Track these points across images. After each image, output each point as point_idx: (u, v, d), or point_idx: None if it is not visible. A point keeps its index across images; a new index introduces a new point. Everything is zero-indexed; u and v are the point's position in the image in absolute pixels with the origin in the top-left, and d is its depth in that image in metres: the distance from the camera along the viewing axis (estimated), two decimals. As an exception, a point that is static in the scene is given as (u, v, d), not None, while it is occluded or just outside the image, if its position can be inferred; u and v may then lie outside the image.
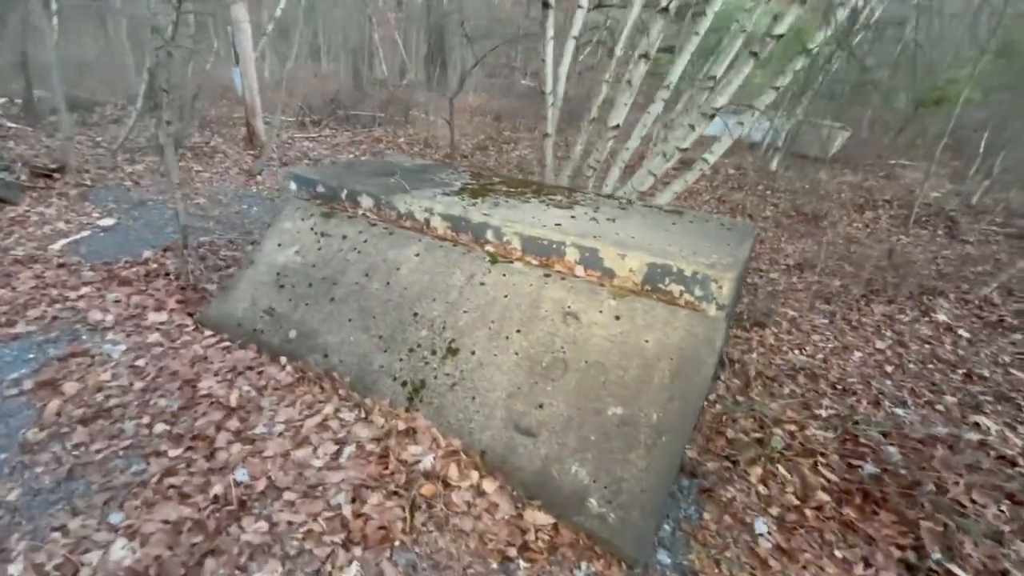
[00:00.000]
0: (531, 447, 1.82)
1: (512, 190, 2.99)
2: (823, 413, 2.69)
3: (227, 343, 2.56)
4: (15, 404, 2.15)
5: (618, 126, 3.92)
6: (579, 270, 2.20)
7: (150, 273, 3.36)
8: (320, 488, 1.78)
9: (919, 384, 3.10)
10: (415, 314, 2.26)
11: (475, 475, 1.83)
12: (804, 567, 1.74)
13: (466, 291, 2.23)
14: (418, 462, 1.85)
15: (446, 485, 1.78)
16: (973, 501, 2.12)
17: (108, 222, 4.39)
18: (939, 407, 2.88)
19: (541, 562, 1.60)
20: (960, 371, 3.31)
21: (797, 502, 2.03)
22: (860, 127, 11.17)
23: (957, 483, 2.19)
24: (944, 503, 2.03)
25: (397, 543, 1.62)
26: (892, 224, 6.66)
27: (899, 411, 2.76)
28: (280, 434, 2.00)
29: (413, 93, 13.03)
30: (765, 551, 1.78)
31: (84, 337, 2.65)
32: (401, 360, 2.18)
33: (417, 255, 2.42)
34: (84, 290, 3.12)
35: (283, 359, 2.39)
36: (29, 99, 7.17)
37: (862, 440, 2.42)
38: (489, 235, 2.44)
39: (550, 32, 3.75)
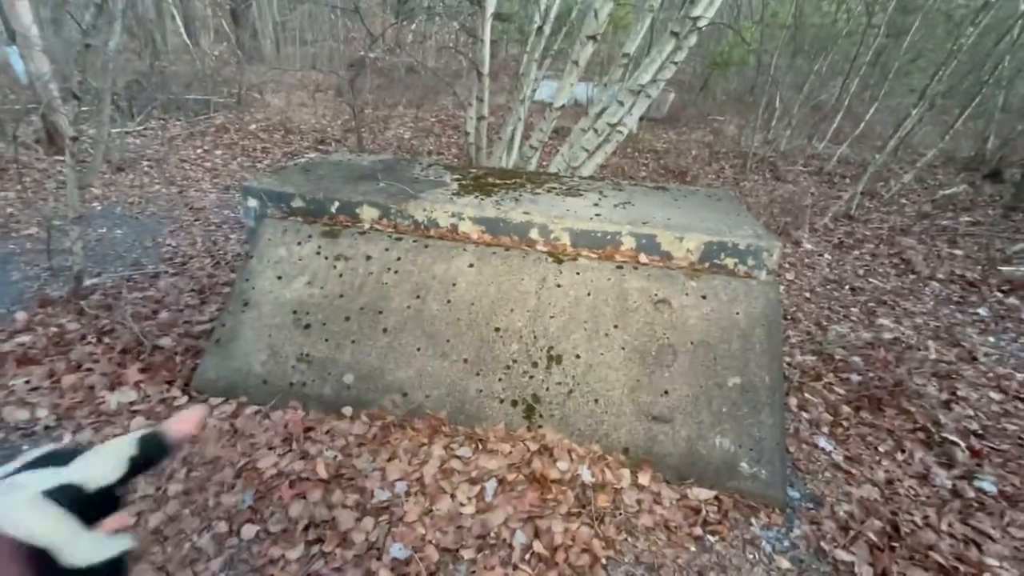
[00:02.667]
0: (671, 432, 1.93)
1: (506, 182, 2.92)
2: (794, 341, 3.28)
3: (254, 407, 2.11)
4: None
5: (563, 107, 4.00)
6: (642, 257, 2.30)
7: (56, 341, 2.51)
8: (491, 536, 1.66)
9: (830, 303, 3.94)
10: (496, 329, 2.14)
11: (627, 473, 1.88)
12: (871, 467, 2.19)
13: (544, 296, 2.18)
14: (575, 477, 1.83)
15: (614, 491, 1.81)
16: (916, 383, 2.85)
17: (-95, 281, 3.10)
18: (852, 318, 3.72)
19: (724, 531, 1.76)
20: (845, 287, 4.28)
21: (831, 418, 2.51)
22: (676, 88, 12.91)
23: (901, 372, 2.91)
24: (911, 389, 2.71)
25: (604, 560, 1.62)
26: (734, 173, 8.00)
27: (836, 328, 3.50)
28: (407, 493, 1.77)
29: (227, 68, 11.12)
30: (843, 463, 2.19)
31: (27, 448, 1.93)
32: (500, 380, 2.06)
33: (471, 266, 2.26)
34: (-39, 384, 2.22)
35: (347, 410, 2.07)
36: None
37: (836, 356, 3.05)
38: (534, 234, 2.38)
39: (490, 9, 3.60)
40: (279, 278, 2.31)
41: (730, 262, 2.28)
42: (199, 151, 6.63)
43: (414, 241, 2.35)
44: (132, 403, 2.15)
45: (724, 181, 7.56)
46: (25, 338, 2.55)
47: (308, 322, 2.22)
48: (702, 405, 1.96)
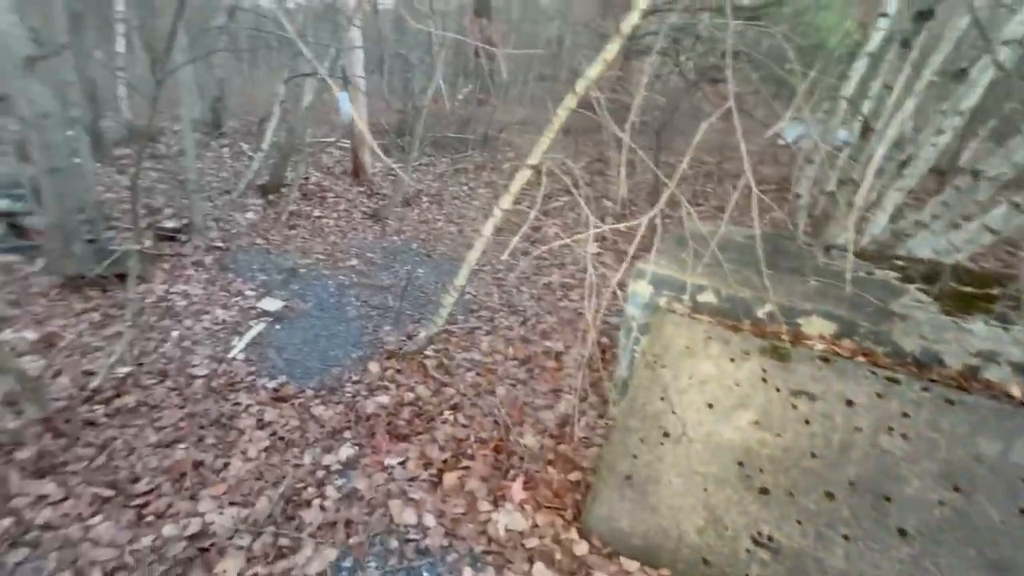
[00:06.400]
0: None
1: (986, 291, 1.99)
2: None
3: (689, 594, 1.53)
4: None
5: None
6: None
7: (417, 412, 2.32)
8: None
9: None
10: None
11: None
12: None
13: None
14: None
15: None
16: None
17: (273, 305, 3.36)
18: None
19: None
20: None
21: None
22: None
23: None
24: None
25: None
26: None
27: None
28: None
29: (473, 108, 11.95)
30: None
31: (426, 574, 1.61)
32: None
33: (1052, 455, 1.40)
34: (343, 453, 2.08)
35: (850, 653, 1.37)
36: (96, 130, 6.08)
37: None
38: None
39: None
40: (710, 406, 1.74)
41: None
42: (465, 188, 6.92)
43: (924, 389, 1.58)
44: (522, 534, 1.74)
45: None
46: (384, 399, 2.41)
47: (764, 484, 1.58)
48: None
